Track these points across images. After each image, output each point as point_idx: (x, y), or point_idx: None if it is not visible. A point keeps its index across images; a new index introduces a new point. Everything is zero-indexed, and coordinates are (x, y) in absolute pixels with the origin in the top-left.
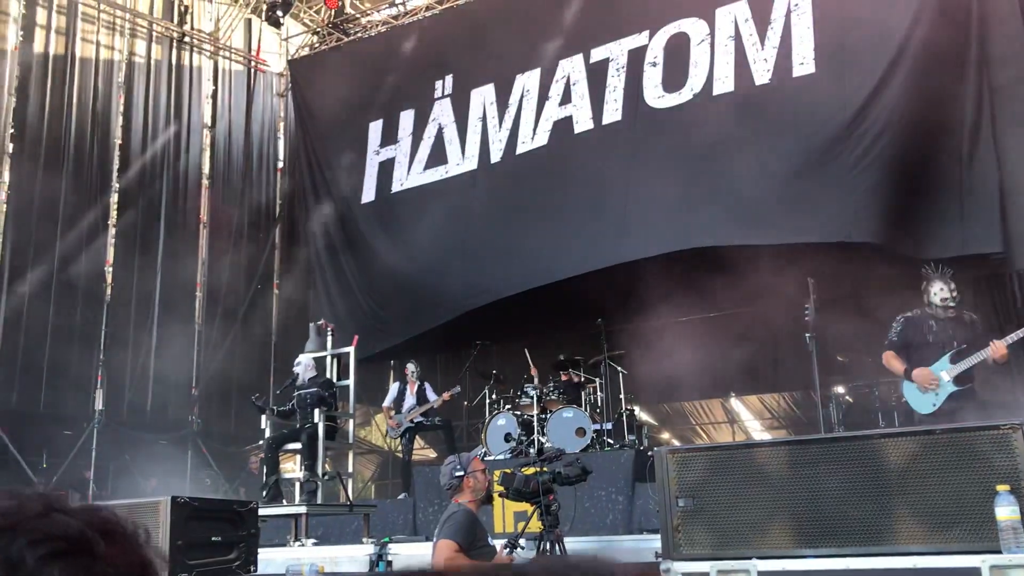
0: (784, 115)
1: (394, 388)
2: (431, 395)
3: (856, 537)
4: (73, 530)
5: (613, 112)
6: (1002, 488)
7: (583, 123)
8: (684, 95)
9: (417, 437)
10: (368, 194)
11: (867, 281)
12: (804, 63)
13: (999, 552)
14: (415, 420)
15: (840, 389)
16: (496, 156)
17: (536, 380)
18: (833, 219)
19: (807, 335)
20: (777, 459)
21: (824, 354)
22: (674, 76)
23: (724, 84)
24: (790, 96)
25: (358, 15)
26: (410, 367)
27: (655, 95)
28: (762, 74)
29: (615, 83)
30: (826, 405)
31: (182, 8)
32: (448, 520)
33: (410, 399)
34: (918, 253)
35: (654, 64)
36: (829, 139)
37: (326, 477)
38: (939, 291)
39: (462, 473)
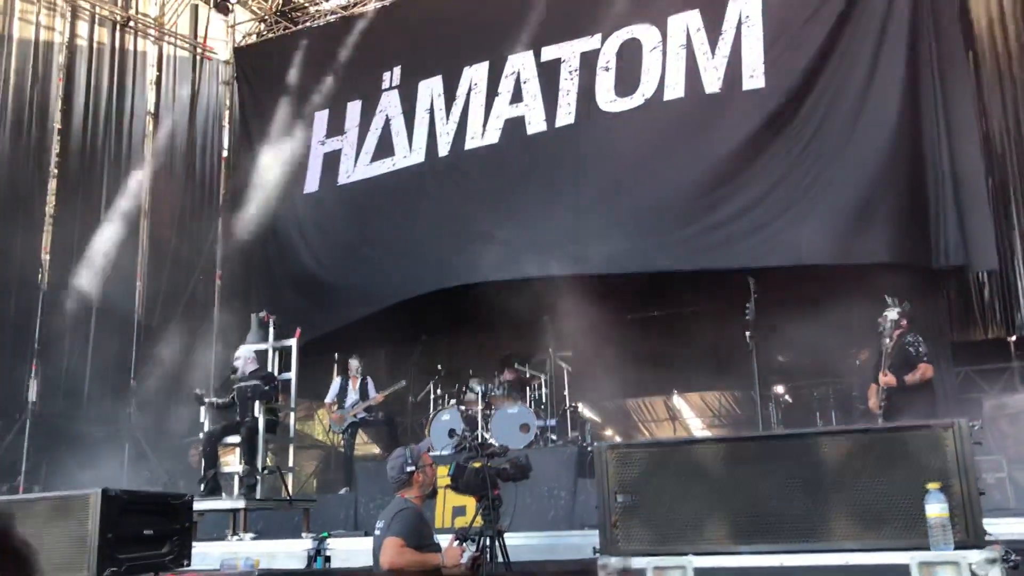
0: (733, 126)
1: (336, 383)
2: (373, 391)
3: (791, 534)
4: None
5: (566, 115)
6: (932, 486)
7: (536, 124)
8: (636, 100)
9: (360, 432)
10: (311, 184)
11: (809, 281)
12: (754, 76)
13: (928, 549)
14: (358, 416)
15: (780, 388)
16: (444, 150)
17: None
18: (781, 241)
19: (747, 334)
20: (715, 456)
21: (765, 354)
22: (627, 82)
23: (674, 90)
24: (739, 107)
25: (307, 3)
26: (353, 362)
27: (607, 99)
28: (712, 83)
29: (568, 86)
30: (766, 404)
31: None
32: (396, 517)
33: (353, 395)
34: (869, 260)
35: (607, 69)
36: (776, 156)
37: (266, 471)
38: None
39: (412, 468)
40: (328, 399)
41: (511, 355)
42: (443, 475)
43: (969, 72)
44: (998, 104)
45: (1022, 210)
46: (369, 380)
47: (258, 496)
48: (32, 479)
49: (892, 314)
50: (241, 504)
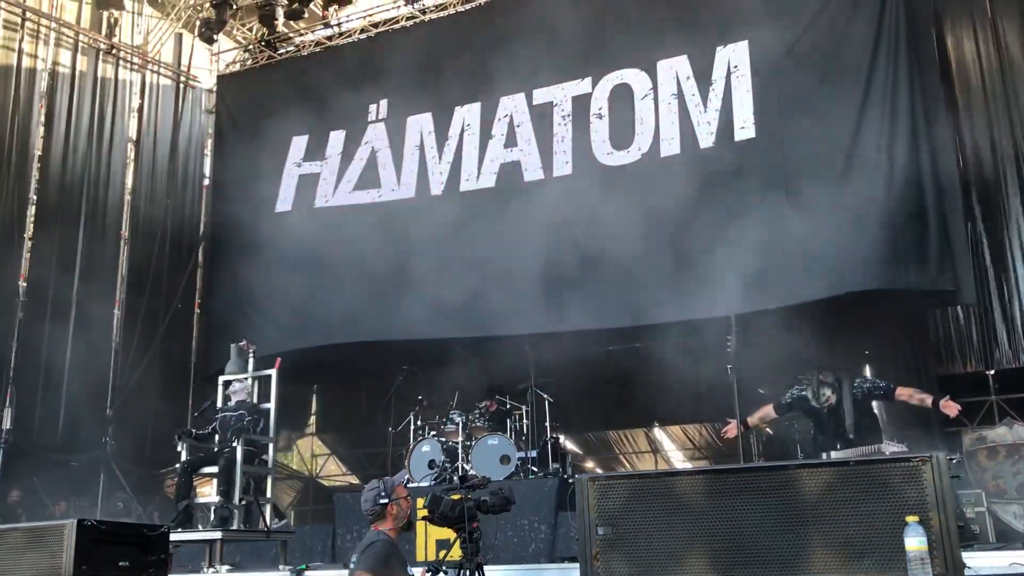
0: (727, 181)
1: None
2: None
3: (772, 566)
4: None
5: (563, 164)
6: (911, 519)
7: (532, 171)
8: (632, 154)
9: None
10: (283, 204)
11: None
12: (745, 127)
13: None
14: None
15: None
16: (436, 189)
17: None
18: (778, 286)
19: (728, 367)
20: (696, 488)
21: (745, 386)
22: (621, 132)
23: (670, 145)
24: (732, 161)
25: (291, 34)
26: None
27: (604, 151)
28: (706, 137)
29: (562, 132)
30: (747, 436)
31: (111, 20)
32: (368, 550)
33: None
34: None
35: (600, 116)
36: (768, 208)
37: (243, 502)
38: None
39: (386, 501)
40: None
41: (492, 386)
42: (423, 506)
43: (945, 110)
44: (971, 141)
45: (998, 245)
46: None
47: (234, 527)
48: (3, 510)
49: (829, 377)
50: (218, 535)
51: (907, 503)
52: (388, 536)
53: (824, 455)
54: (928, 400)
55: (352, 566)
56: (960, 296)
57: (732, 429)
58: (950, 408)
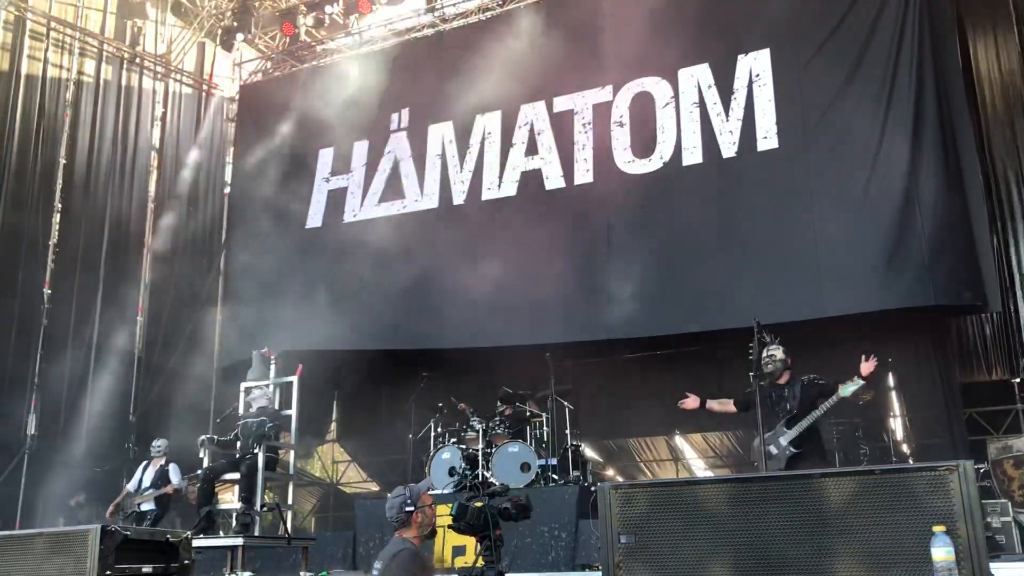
0: (750, 192)
1: (140, 468)
2: (175, 478)
3: None
4: None
5: (584, 172)
6: (938, 529)
7: (554, 179)
8: (654, 162)
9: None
10: (314, 220)
11: (812, 322)
12: (768, 137)
13: None
14: (141, 506)
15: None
16: (459, 198)
17: (470, 415)
18: (801, 299)
19: (751, 374)
20: (719, 497)
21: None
22: (642, 140)
23: (692, 155)
24: (755, 172)
25: (313, 43)
26: (157, 442)
27: (625, 159)
28: (728, 147)
29: (583, 140)
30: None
31: (135, 29)
32: (395, 560)
33: (148, 479)
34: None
35: (621, 124)
36: (792, 219)
37: (264, 508)
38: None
39: (412, 508)
40: (130, 486)
41: (512, 393)
42: (443, 514)
43: (968, 120)
44: (1000, 148)
45: (1021, 251)
46: (172, 467)
47: (255, 534)
48: (28, 515)
49: (779, 352)
50: (239, 542)
51: (933, 513)
52: (413, 544)
53: (769, 436)
54: (863, 372)
55: (376, 573)
56: (986, 305)
57: (689, 402)
58: (868, 366)
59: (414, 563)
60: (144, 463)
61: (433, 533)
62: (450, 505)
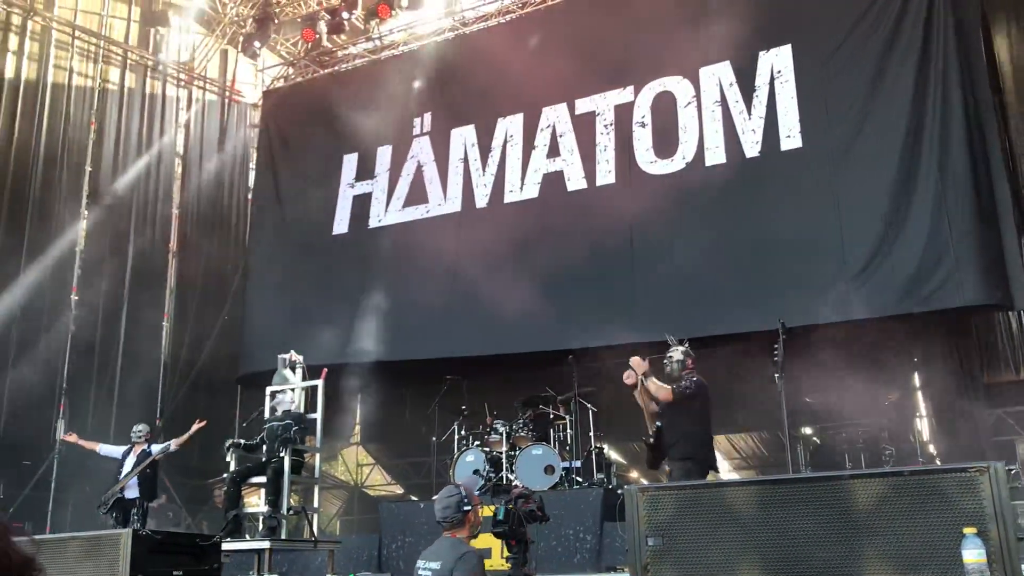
0: (774, 192)
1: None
2: (154, 448)
3: None
4: None
5: (606, 173)
6: (969, 531)
7: (576, 180)
8: (676, 163)
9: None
10: (340, 226)
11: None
12: (791, 136)
13: None
14: (122, 492)
15: (808, 430)
16: (482, 201)
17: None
18: (827, 301)
19: (776, 376)
20: (746, 499)
21: (792, 395)
22: (665, 140)
23: (715, 155)
24: (779, 172)
25: (335, 48)
26: (137, 427)
27: (647, 159)
28: (751, 146)
29: (605, 141)
30: (794, 446)
31: (158, 37)
32: (462, 561)
33: (128, 466)
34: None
35: (643, 124)
36: (818, 220)
37: (291, 512)
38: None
39: (469, 508)
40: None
41: (535, 395)
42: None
43: (995, 115)
44: (1019, 144)
45: None
46: (154, 447)
47: (282, 537)
48: (58, 519)
49: (677, 354)
50: (266, 545)
51: (964, 514)
52: (471, 546)
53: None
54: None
55: (430, 574)
56: (1012, 304)
57: (631, 376)
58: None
59: (482, 568)
60: (125, 449)
61: (476, 535)
62: (492, 508)
